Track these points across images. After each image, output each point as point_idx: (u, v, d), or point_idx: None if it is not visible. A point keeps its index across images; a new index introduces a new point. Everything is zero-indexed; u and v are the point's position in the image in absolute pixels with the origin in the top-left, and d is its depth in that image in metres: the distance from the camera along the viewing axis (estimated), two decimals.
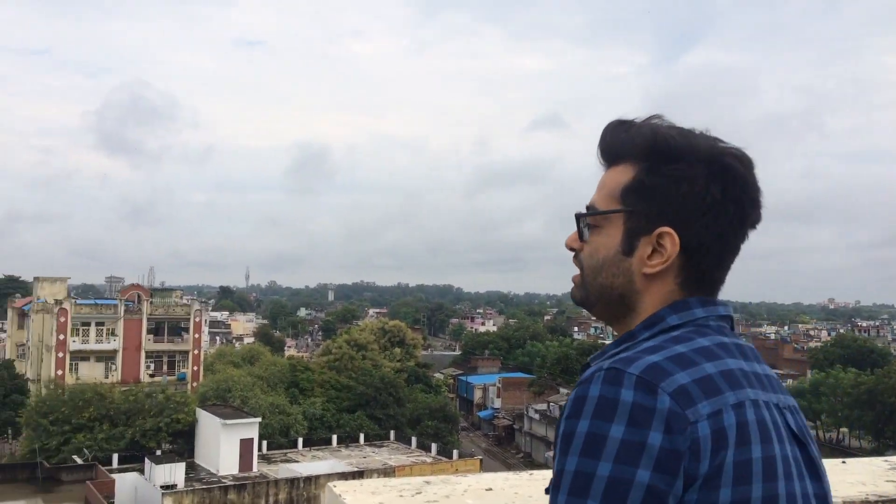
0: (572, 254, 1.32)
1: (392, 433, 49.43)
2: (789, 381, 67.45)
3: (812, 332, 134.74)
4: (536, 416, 65.97)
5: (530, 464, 62.66)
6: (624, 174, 1.24)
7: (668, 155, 1.20)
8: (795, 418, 1.21)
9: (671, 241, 1.18)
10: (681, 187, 1.19)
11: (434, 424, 52.48)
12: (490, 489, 1.78)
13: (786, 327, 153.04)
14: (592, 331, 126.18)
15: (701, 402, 1.06)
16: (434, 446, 45.96)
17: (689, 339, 1.15)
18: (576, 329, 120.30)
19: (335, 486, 1.63)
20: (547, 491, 1.08)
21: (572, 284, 1.34)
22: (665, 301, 1.21)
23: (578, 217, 1.28)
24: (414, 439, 47.73)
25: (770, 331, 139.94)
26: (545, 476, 1.98)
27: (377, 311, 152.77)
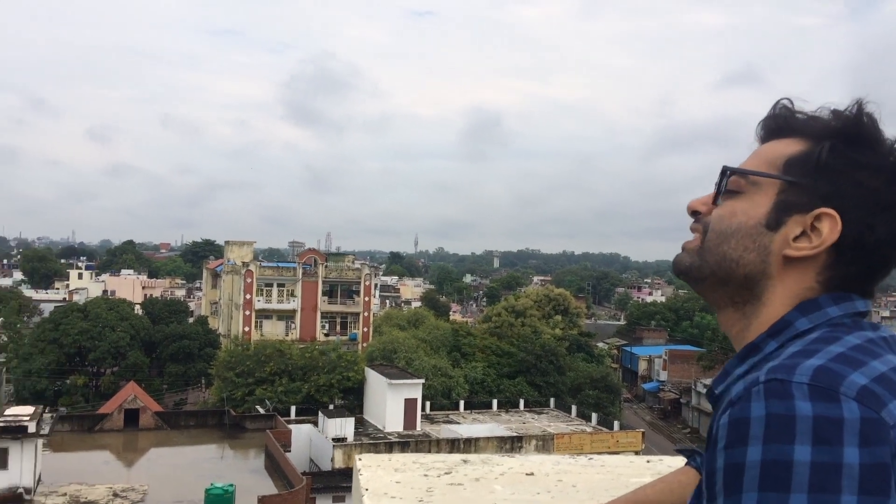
0: (692, 219, 1.15)
1: (552, 401, 49.44)
2: None
3: None
4: (705, 391, 63.34)
5: (697, 439, 60.41)
6: (791, 146, 1.08)
7: (857, 139, 1.04)
8: None
9: (831, 226, 1.00)
10: (859, 174, 1.02)
11: (595, 394, 51.87)
12: (531, 474, 1.68)
13: None
14: None
15: (891, 402, 0.87)
16: (594, 416, 45.48)
17: (837, 338, 0.96)
18: None
19: (361, 459, 1.60)
20: None
21: (681, 250, 1.15)
22: (798, 298, 1.03)
23: (725, 171, 1.09)
24: (574, 408, 47.47)
25: None
26: (604, 463, 1.83)
27: (541, 278, 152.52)
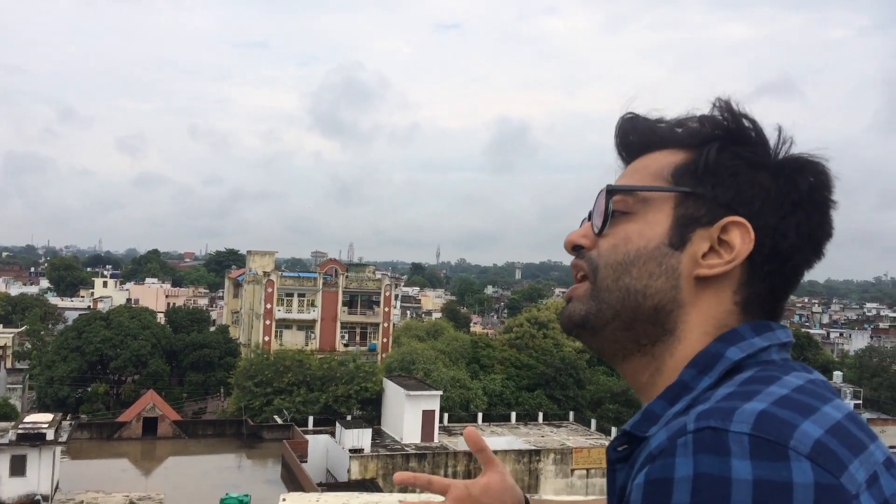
0: (574, 258, 1.00)
1: (571, 414, 48.99)
2: None
3: None
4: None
5: None
6: (674, 155, 0.92)
7: (743, 137, 0.89)
8: None
9: (742, 235, 0.85)
10: (758, 175, 0.87)
11: (615, 408, 51.25)
12: None
13: None
14: (797, 318, 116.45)
15: (851, 462, 0.67)
16: (614, 430, 44.91)
17: (776, 377, 0.76)
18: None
19: (284, 500, 1.47)
20: None
21: (567, 302, 0.98)
22: (717, 322, 0.85)
23: (611, 192, 0.91)
24: (594, 422, 46.99)
25: None
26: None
27: (564, 290, 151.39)
